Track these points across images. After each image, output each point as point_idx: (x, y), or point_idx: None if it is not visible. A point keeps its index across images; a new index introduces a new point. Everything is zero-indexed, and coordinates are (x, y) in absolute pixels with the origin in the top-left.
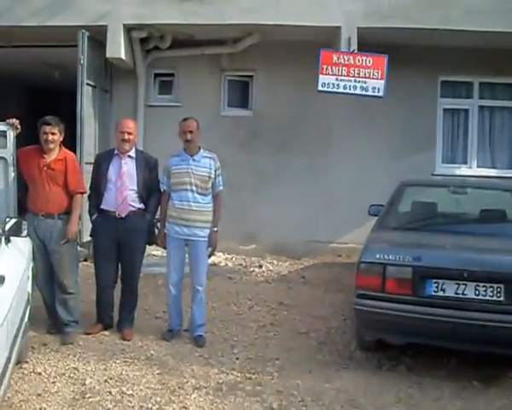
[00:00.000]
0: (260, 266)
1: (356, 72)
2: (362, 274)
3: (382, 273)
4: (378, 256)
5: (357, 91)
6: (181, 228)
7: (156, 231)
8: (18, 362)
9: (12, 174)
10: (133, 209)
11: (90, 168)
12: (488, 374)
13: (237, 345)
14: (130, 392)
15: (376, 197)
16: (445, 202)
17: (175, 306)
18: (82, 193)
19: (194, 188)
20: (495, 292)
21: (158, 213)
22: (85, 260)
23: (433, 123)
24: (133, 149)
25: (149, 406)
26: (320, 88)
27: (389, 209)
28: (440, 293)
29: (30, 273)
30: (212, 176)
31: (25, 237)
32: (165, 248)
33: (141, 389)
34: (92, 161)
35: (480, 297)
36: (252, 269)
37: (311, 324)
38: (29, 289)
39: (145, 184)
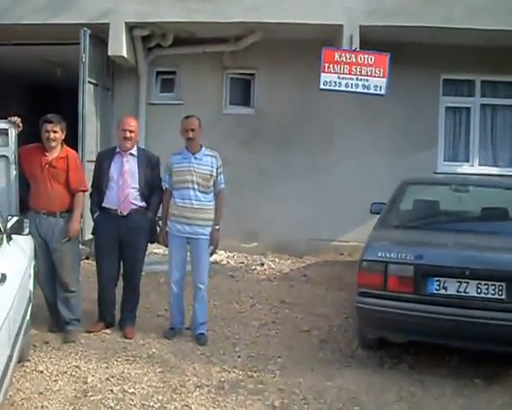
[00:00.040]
0: (262, 265)
1: (358, 70)
2: (364, 272)
3: (384, 271)
4: (380, 254)
5: (359, 89)
6: (183, 226)
7: (158, 229)
8: (20, 360)
9: (14, 172)
10: (135, 207)
11: (91, 166)
12: (490, 372)
13: (239, 343)
14: (132, 390)
15: (378, 195)
16: (446, 200)
17: (177, 304)
18: (84, 191)
19: (195, 186)
20: (497, 290)
21: (160, 211)
22: (87, 259)
23: (435, 121)
24: (135, 147)
25: (151, 404)
26: (322, 86)
27: (391, 207)
28: (442, 291)
29: (32, 271)
30: (214, 174)
31: (26, 235)
32: (166, 246)
33: (143, 388)
34: (94, 159)
35: (482, 295)
36: (253, 267)
37: (313, 322)
38: (31, 287)
39: (147, 182)
